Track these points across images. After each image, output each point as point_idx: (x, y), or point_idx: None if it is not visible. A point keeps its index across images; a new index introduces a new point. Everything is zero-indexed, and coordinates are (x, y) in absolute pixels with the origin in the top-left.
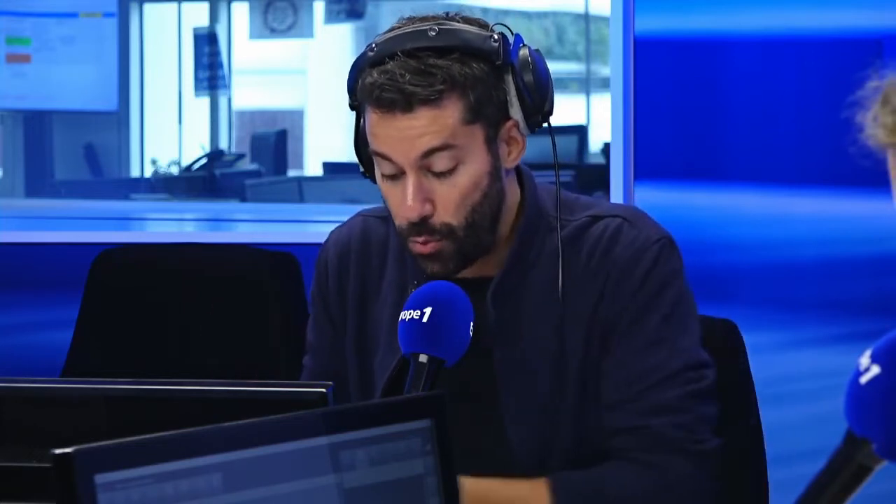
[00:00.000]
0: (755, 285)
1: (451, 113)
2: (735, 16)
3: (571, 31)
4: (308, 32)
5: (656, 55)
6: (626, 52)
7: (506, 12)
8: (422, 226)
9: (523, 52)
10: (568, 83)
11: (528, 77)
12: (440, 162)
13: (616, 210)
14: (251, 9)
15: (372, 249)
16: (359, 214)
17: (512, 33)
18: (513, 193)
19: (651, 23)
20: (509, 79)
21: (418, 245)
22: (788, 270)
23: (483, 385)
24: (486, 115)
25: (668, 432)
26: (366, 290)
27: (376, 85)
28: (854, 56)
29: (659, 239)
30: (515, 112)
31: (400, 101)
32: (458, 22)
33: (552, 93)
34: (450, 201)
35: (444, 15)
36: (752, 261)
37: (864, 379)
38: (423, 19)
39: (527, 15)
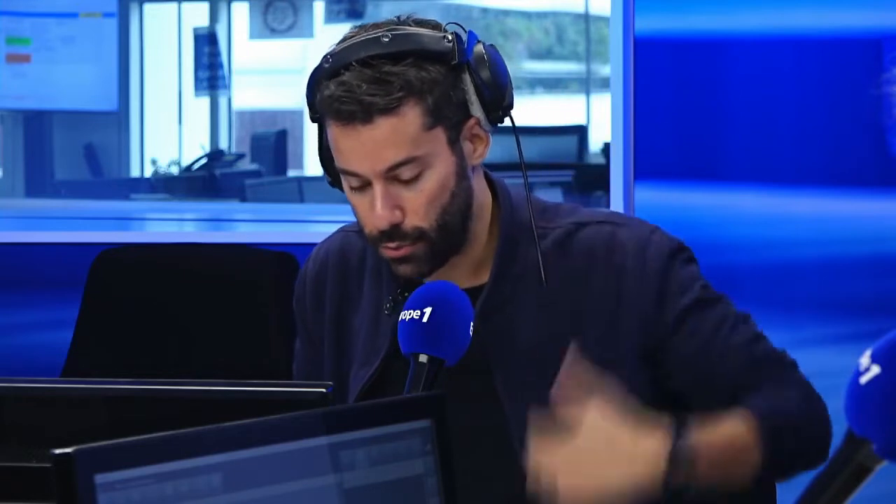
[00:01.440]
0: (755, 285)
1: (410, 120)
2: (735, 16)
3: (571, 31)
4: (308, 32)
5: (656, 55)
6: (626, 52)
7: (506, 12)
8: (393, 232)
9: (478, 48)
10: (568, 83)
11: (486, 73)
12: (405, 172)
13: (599, 216)
14: (251, 9)
15: (350, 264)
16: (340, 230)
17: (465, 31)
18: (483, 193)
19: (651, 23)
20: (466, 77)
21: (390, 250)
22: (788, 270)
23: (485, 401)
24: (446, 116)
25: (769, 351)
26: (343, 304)
27: (334, 97)
28: (854, 56)
29: (653, 229)
30: (476, 109)
31: (359, 113)
32: (411, 25)
33: (511, 87)
34: (418, 206)
35: (396, 20)
36: (752, 261)
37: (864, 379)
38: (376, 26)
39: (527, 15)
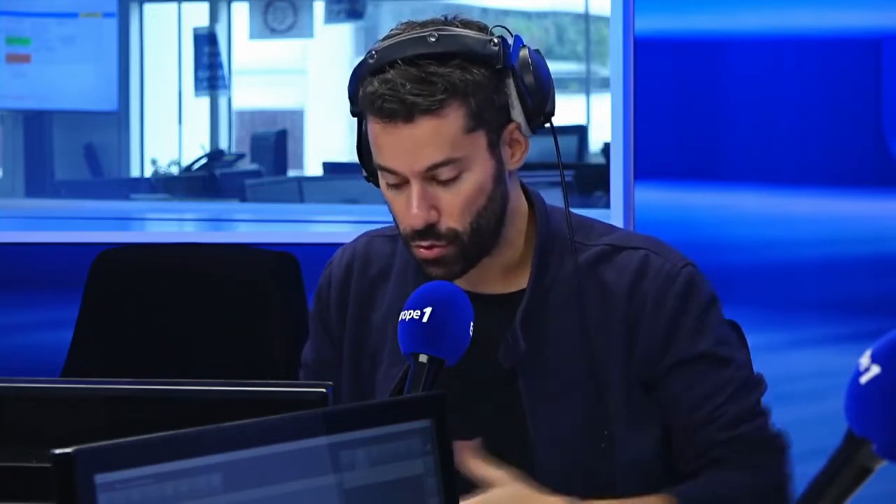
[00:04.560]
0: (755, 285)
1: (452, 121)
2: (735, 16)
3: (571, 31)
4: (308, 32)
5: (656, 55)
6: (626, 52)
7: (506, 12)
8: (427, 232)
9: (523, 53)
10: (568, 83)
11: (529, 78)
12: (444, 173)
13: (637, 241)
14: (251, 9)
15: (374, 266)
16: (366, 234)
17: (511, 34)
18: (518, 199)
19: (651, 23)
20: (510, 82)
21: (423, 250)
22: (788, 270)
23: (510, 409)
24: (488, 120)
25: (756, 435)
26: (365, 305)
27: (377, 94)
28: (854, 56)
29: (686, 265)
30: (517, 114)
31: (401, 111)
32: (458, 26)
33: (553, 93)
34: (454, 207)
35: (442, 19)
36: (752, 261)
37: (864, 379)
38: (423, 25)
39: (527, 15)
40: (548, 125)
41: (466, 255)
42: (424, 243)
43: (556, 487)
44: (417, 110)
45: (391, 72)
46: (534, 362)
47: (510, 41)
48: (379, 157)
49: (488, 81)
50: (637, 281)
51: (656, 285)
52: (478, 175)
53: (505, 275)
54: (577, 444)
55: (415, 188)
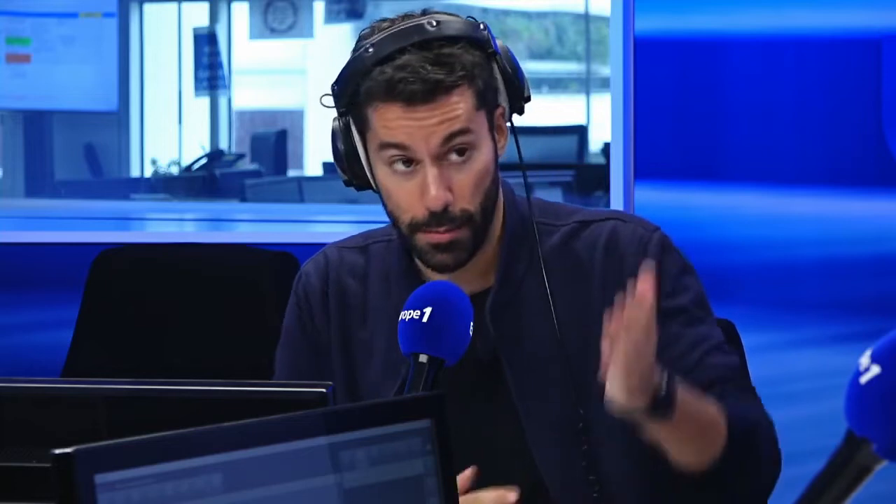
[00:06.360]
0: (755, 285)
1: (467, 99)
2: (735, 16)
3: (571, 31)
4: (308, 32)
5: (656, 55)
6: (626, 52)
7: (506, 12)
8: (442, 215)
9: (499, 41)
10: (568, 83)
11: (510, 64)
12: (458, 144)
13: (604, 214)
14: (251, 9)
15: (349, 279)
16: (331, 246)
17: (482, 24)
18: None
19: (651, 23)
20: (495, 66)
21: (435, 235)
22: (788, 270)
23: (500, 398)
24: (488, 101)
25: (739, 383)
26: (347, 317)
27: (396, 79)
28: (854, 56)
29: (656, 228)
30: (503, 99)
31: (421, 92)
32: (443, 14)
33: (526, 79)
34: (467, 188)
35: (421, 12)
36: (752, 261)
37: (864, 379)
38: (405, 17)
39: (527, 15)
40: (514, 121)
41: (476, 239)
42: (440, 228)
43: (552, 472)
44: (441, 88)
45: (404, 57)
46: (516, 351)
47: None
48: (391, 136)
49: (486, 64)
50: (610, 249)
51: (632, 249)
52: (484, 154)
53: (482, 272)
54: (567, 423)
55: (430, 171)
